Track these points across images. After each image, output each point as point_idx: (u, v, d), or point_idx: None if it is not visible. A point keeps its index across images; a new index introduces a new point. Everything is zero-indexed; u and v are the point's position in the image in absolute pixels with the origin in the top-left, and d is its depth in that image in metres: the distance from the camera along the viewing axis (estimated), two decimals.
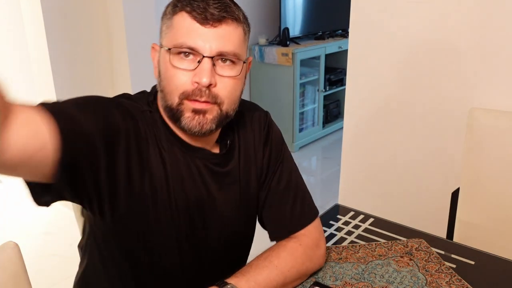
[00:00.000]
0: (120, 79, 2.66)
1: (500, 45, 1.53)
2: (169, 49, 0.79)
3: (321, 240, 0.97)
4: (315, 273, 0.96)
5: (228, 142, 0.92)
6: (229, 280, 0.82)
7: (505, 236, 1.37)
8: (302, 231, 0.95)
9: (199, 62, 0.78)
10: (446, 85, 1.67)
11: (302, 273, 0.92)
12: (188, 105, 0.80)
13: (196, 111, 0.80)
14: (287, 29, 3.55)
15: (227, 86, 0.81)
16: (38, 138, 0.62)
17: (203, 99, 0.79)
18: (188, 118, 0.80)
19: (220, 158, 0.90)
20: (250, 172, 0.94)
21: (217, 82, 0.80)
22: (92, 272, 0.94)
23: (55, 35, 2.29)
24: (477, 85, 1.60)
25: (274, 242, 0.96)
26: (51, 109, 0.66)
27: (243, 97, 0.90)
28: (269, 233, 0.99)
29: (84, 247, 0.96)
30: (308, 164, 3.69)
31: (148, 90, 0.91)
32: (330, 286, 0.91)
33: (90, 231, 0.91)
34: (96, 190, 0.75)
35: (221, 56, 0.79)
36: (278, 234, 0.97)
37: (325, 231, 1.13)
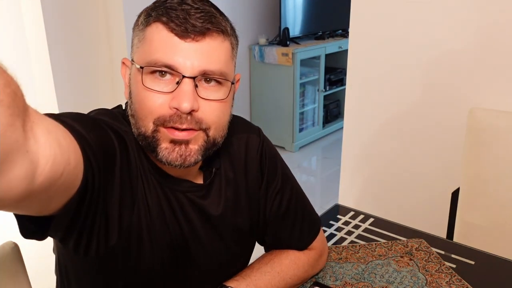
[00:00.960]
0: (120, 80, 2.65)
1: (500, 45, 1.53)
2: (141, 67, 0.66)
3: (324, 250, 0.96)
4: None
5: (214, 170, 0.80)
6: (228, 283, 0.80)
7: (505, 236, 1.37)
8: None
9: (178, 83, 0.65)
10: (446, 85, 1.67)
11: (303, 279, 0.91)
12: (165, 134, 0.66)
13: (175, 142, 0.67)
14: (287, 29, 3.55)
15: (214, 110, 0.68)
16: (62, 150, 0.47)
17: (183, 126, 0.66)
18: (166, 150, 0.67)
19: (204, 189, 0.78)
20: (239, 201, 0.84)
21: (201, 106, 0.66)
22: None
23: (55, 35, 2.29)
24: (477, 85, 1.60)
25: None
26: (55, 119, 0.51)
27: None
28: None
29: (59, 284, 0.84)
30: (308, 164, 3.69)
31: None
32: (330, 286, 0.91)
33: (65, 270, 0.79)
34: (92, 220, 0.63)
35: (205, 76, 0.67)
36: None
37: (325, 231, 1.13)
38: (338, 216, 1.21)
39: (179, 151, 0.68)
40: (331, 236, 1.12)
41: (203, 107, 0.67)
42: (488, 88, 1.58)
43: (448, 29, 1.62)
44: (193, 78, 0.65)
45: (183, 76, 0.65)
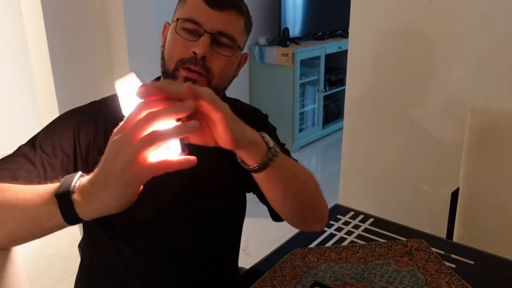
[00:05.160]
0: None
1: (500, 45, 1.53)
2: (177, 19, 0.88)
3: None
4: (315, 273, 0.96)
5: None
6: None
7: (505, 236, 1.38)
8: None
9: (200, 36, 0.86)
10: (446, 85, 1.67)
11: (311, 188, 0.86)
12: (182, 73, 0.87)
13: (186, 79, 0.86)
14: (287, 29, 3.55)
15: (221, 62, 0.88)
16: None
17: (196, 68, 0.85)
18: None
19: None
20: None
21: (212, 58, 0.86)
22: (92, 267, 0.99)
23: (55, 34, 2.29)
24: (477, 85, 1.60)
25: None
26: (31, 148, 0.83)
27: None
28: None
29: (86, 239, 1.00)
30: (308, 164, 3.69)
31: None
32: (330, 286, 0.91)
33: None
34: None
35: (221, 36, 0.87)
36: None
37: (325, 231, 1.13)
38: (338, 216, 1.21)
39: None
40: (331, 236, 1.12)
41: (213, 58, 0.87)
42: (488, 88, 1.58)
43: (447, 29, 1.62)
44: (211, 34, 0.86)
45: (205, 31, 0.86)
